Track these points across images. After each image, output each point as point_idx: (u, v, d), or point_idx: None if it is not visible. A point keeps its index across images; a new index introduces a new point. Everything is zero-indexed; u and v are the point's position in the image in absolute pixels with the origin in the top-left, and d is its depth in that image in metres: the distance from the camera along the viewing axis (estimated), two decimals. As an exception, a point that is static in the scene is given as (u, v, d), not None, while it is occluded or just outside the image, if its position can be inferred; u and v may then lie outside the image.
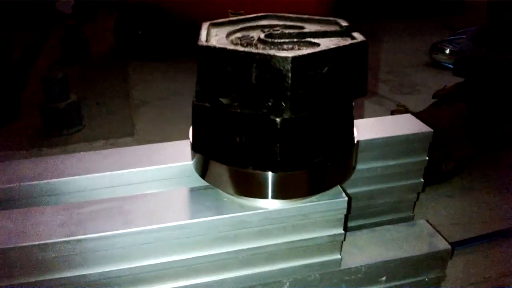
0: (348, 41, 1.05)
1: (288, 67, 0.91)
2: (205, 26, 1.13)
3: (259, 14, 1.25)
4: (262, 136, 0.99)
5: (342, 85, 1.03)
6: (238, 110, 0.99)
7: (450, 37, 3.54)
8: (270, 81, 0.93)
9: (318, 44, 1.05)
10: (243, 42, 1.09)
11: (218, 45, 0.99)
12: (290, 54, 0.92)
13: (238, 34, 1.14)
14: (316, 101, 0.98)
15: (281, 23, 1.21)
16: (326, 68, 0.97)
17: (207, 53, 1.00)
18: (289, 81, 0.92)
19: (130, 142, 2.46)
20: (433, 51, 3.50)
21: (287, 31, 1.13)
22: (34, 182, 1.16)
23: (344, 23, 1.14)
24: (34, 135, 2.55)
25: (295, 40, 1.09)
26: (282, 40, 1.07)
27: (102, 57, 3.94)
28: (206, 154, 1.09)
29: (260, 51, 0.96)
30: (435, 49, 3.48)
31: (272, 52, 0.95)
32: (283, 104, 0.94)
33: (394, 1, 4.76)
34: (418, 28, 4.51)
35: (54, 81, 2.47)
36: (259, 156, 1.02)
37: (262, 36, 1.08)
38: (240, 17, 1.22)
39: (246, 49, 0.96)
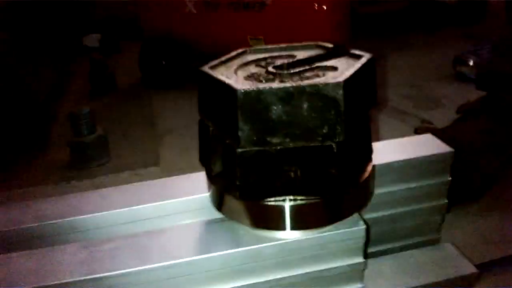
0: (362, 59, 1.07)
1: (341, 92, 0.93)
2: (210, 72, 1.07)
3: (238, 51, 1.24)
4: (319, 164, 1.00)
5: (364, 100, 1.07)
6: (291, 145, 0.98)
7: (473, 48, 3.47)
8: (323, 109, 0.94)
9: (335, 67, 1.07)
10: (260, 78, 1.07)
11: (261, 86, 0.96)
12: (337, 79, 0.94)
13: (242, 73, 1.12)
14: (355, 120, 1.01)
15: (267, 55, 1.22)
16: (358, 87, 1.01)
17: (250, 97, 0.95)
18: (343, 105, 0.94)
19: (155, 172, 2.49)
20: (456, 64, 3.44)
21: (286, 60, 1.14)
22: (56, 221, 1.19)
23: (328, 45, 1.20)
24: (62, 169, 2.62)
25: (307, 67, 1.10)
26: (298, 70, 1.08)
27: (127, 88, 4.03)
28: (257, 197, 1.06)
29: (309, 82, 0.97)
30: (458, 61, 3.42)
31: (322, 80, 0.97)
32: (338, 128, 0.95)
33: (412, 13, 4.71)
34: (439, 39, 4.43)
35: (81, 116, 2.54)
36: (315, 184, 1.03)
37: (270, 69, 1.09)
38: (225, 57, 1.19)
39: (295, 84, 0.96)
